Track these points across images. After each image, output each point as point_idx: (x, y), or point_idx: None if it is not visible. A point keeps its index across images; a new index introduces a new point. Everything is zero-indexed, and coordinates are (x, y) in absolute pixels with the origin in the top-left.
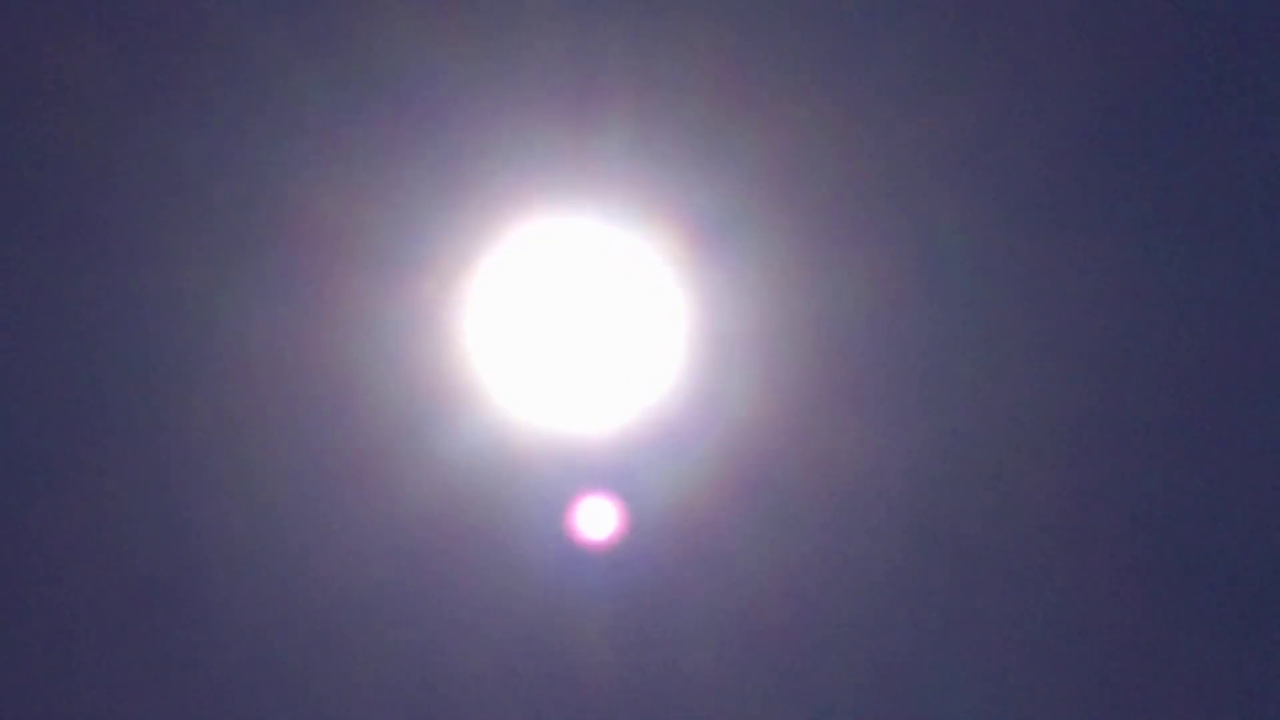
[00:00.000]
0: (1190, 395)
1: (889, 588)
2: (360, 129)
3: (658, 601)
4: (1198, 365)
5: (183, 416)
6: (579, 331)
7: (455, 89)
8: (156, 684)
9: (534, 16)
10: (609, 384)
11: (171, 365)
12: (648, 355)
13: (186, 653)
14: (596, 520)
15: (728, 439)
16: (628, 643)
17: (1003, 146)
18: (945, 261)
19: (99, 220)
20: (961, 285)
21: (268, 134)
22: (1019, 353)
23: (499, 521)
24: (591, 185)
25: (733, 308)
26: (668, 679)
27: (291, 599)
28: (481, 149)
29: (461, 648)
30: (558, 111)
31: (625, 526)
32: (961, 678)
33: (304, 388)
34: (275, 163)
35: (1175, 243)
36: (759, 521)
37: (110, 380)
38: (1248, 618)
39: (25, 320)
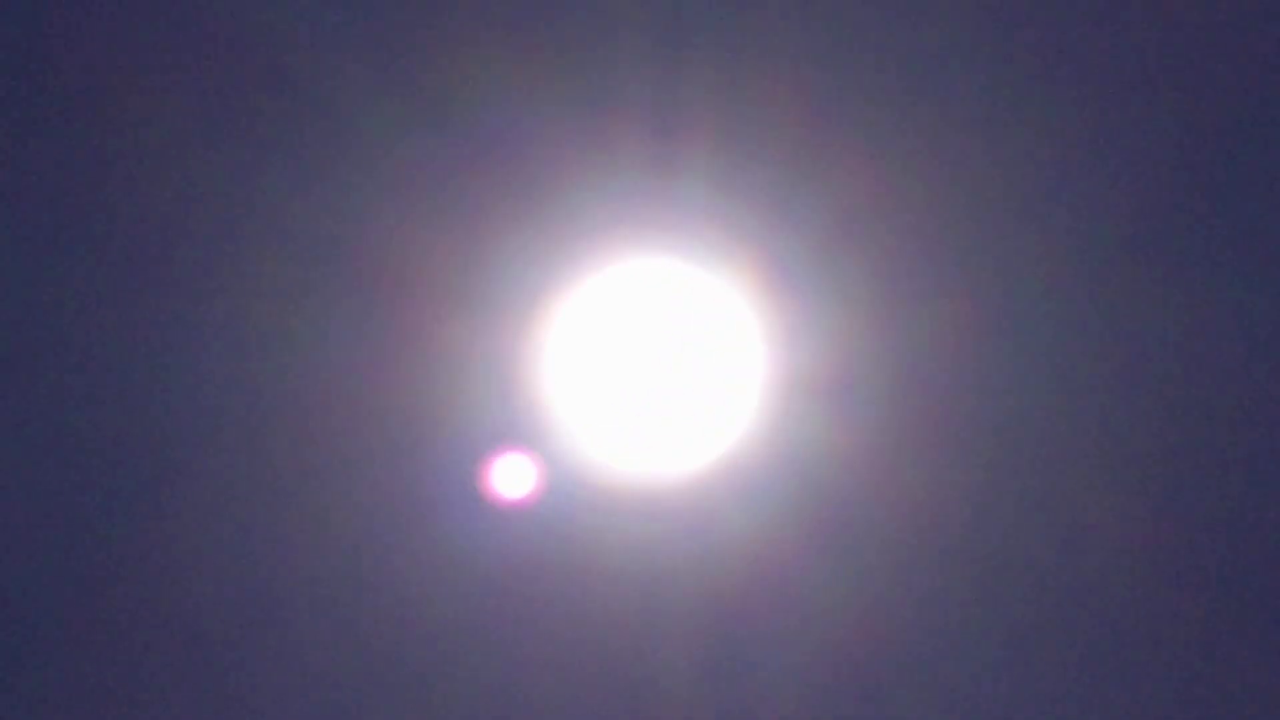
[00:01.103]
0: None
1: (963, 626)
2: (442, 170)
3: (737, 642)
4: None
5: (256, 456)
6: (659, 374)
7: (537, 130)
8: (163, 667)
9: (616, 56)
10: (688, 426)
11: (248, 403)
12: (727, 398)
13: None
14: (674, 561)
15: (806, 481)
16: (706, 679)
17: (1083, 189)
18: (1023, 303)
19: (180, 258)
20: (1039, 327)
21: (350, 175)
22: (1095, 393)
23: (577, 564)
24: (671, 227)
25: (811, 350)
26: (740, 714)
27: (355, 641)
28: (562, 190)
29: (532, 684)
30: (638, 153)
31: (702, 569)
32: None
33: (381, 429)
34: (357, 204)
35: (1247, 277)
36: (836, 563)
37: (187, 420)
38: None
39: (102, 357)
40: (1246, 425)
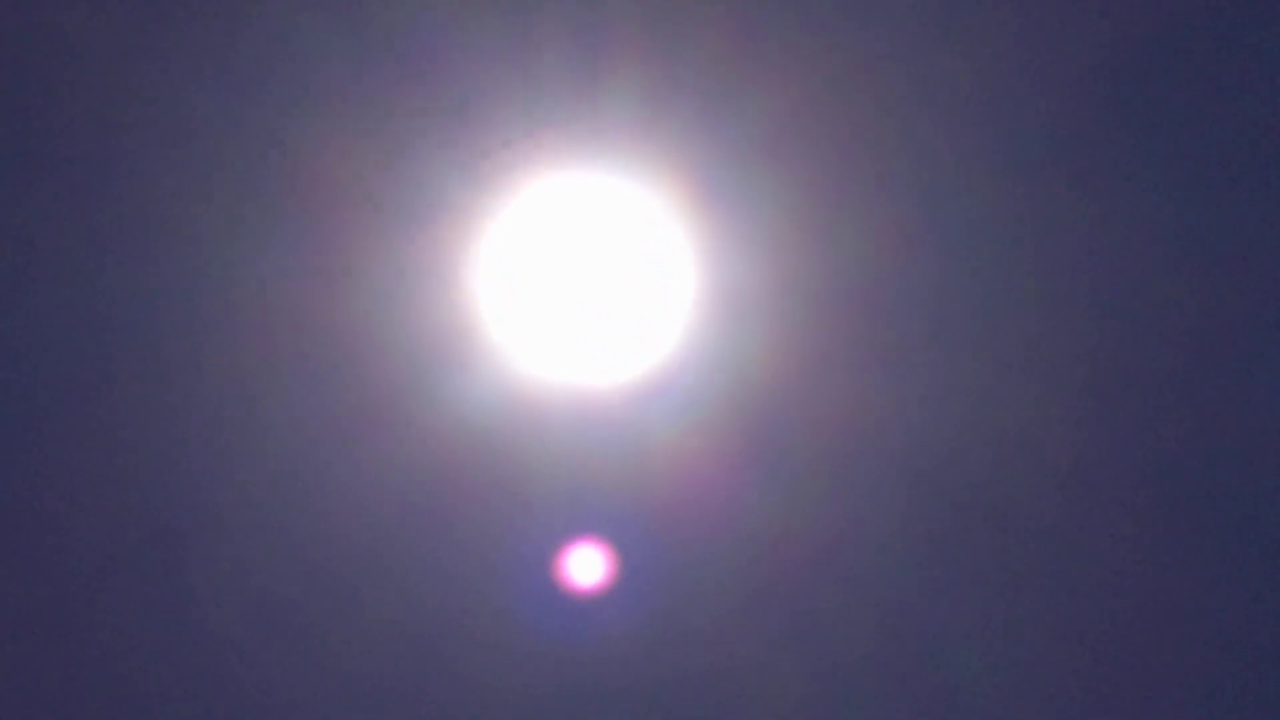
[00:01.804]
0: (1196, 348)
1: (891, 540)
2: (371, 87)
3: (661, 547)
4: (1202, 318)
5: (194, 370)
6: (588, 285)
7: (466, 46)
8: (161, 633)
9: None
10: (615, 337)
11: (184, 321)
12: (655, 309)
13: (186, 605)
14: (602, 469)
15: (734, 390)
16: (632, 589)
17: (1010, 105)
18: (951, 217)
19: (109, 180)
20: (967, 241)
21: (280, 93)
22: (1025, 307)
23: (507, 471)
24: (600, 141)
25: (740, 262)
26: (670, 623)
27: (300, 551)
28: (492, 105)
29: (466, 595)
30: (567, 67)
31: (631, 474)
32: (972, 632)
33: (315, 342)
34: (287, 122)
35: (1177, 199)
36: (762, 472)
37: (121, 338)
38: (1260, 576)
39: (35, 278)
40: (1169, 329)
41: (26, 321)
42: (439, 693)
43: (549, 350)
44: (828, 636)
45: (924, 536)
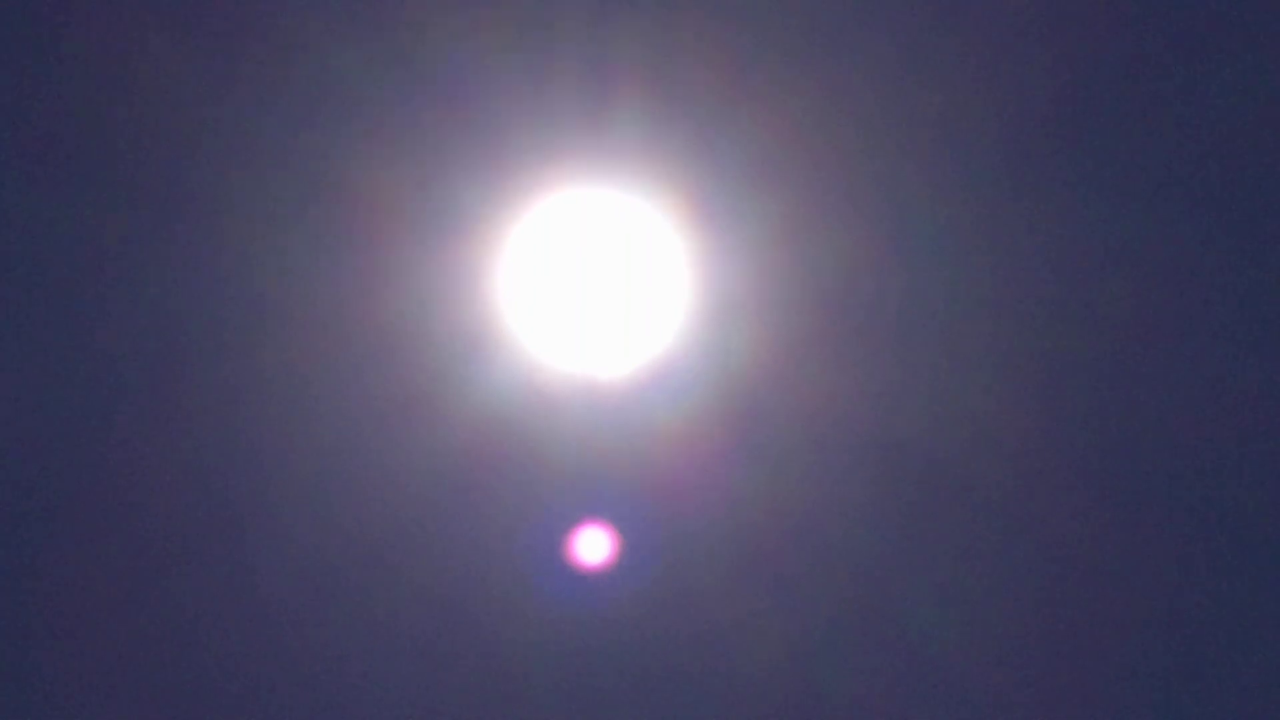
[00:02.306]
0: (1171, 342)
1: (876, 523)
2: (399, 107)
3: (660, 527)
4: (1176, 315)
5: (227, 369)
6: (596, 287)
7: (485, 70)
8: (184, 619)
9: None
10: (621, 334)
11: (219, 321)
12: (657, 307)
13: (220, 599)
14: (609, 451)
15: (727, 381)
16: (633, 569)
17: (1000, 118)
18: (940, 226)
19: (154, 189)
20: (954, 245)
21: (317, 111)
22: (1010, 307)
23: (524, 453)
24: (607, 157)
25: (734, 265)
26: (666, 600)
27: (328, 538)
28: (509, 124)
29: (486, 566)
30: (578, 90)
31: (632, 461)
32: (959, 618)
33: (351, 339)
34: (322, 136)
35: (1156, 201)
36: (753, 457)
37: (154, 334)
38: (1245, 556)
39: (75, 278)
40: (1147, 325)
41: (71, 325)
42: (463, 656)
43: (562, 345)
44: (813, 608)
45: (908, 520)
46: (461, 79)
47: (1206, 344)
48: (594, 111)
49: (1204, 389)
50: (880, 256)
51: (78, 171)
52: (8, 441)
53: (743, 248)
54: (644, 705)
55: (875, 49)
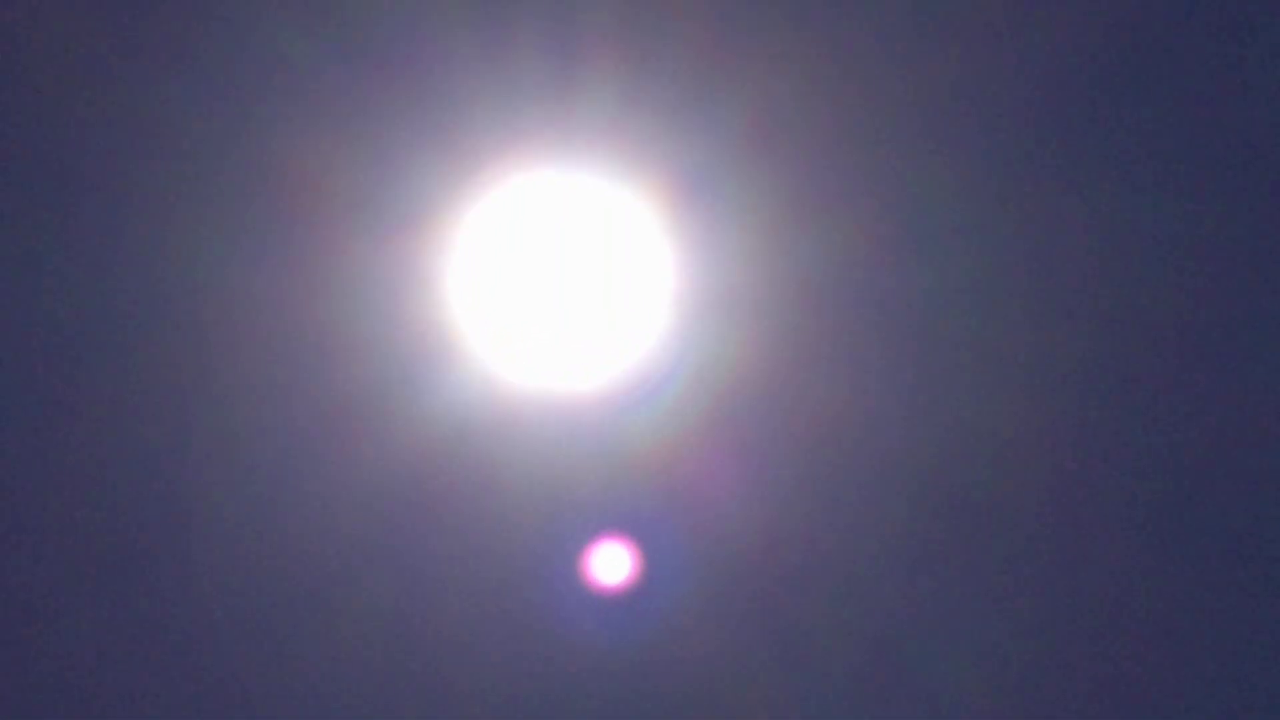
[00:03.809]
0: (1184, 350)
1: (868, 536)
2: (345, 85)
3: (643, 551)
4: (1192, 320)
5: (171, 372)
6: (564, 287)
7: (440, 43)
8: (139, 640)
9: None
10: (593, 339)
11: (158, 319)
12: (632, 310)
13: (165, 609)
14: (580, 474)
15: (713, 390)
16: (610, 592)
17: (987, 106)
18: (930, 217)
19: (85, 178)
20: (947, 240)
21: (252, 91)
22: (1005, 306)
23: (482, 475)
24: (577, 140)
25: (716, 263)
26: (648, 619)
27: (276, 551)
28: (466, 103)
29: (440, 599)
30: (543, 66)
31: (608, 480)
32: (951, 630)
33: (290, 342)
34: (260, 119)
35: (1162, 195)
36: (739, 466)
37: (96, 335)
38: (1255, 590)
39: (16, 273)
40: (1156, 331)
41: (9, 325)
42: (425, 679)
43: (527, 352)
44: (808, 628)
45: (908, 533)
46: (412, 50)
47: (1222, 351)
48: (560, 85)
49: (1219, 398)
50: (883, 248)
51: (19, 166)
52: None
53: (727, 239)
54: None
55: (865, 30)
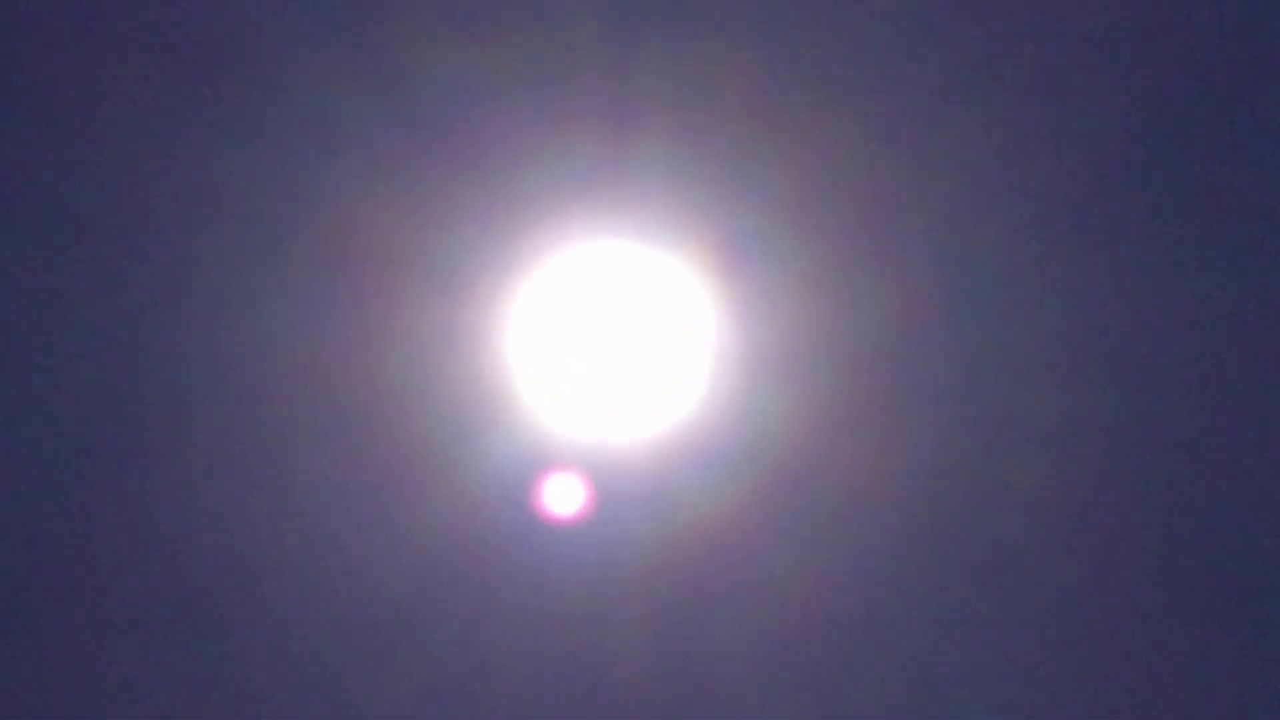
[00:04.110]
0: (1219, 408)
1: (914, 598)
2: (408, 157)
3: (689, 609)
4: (1221, 378)
5: (226, 427)
6: (616, 345)
7: (501, 120)
8: (186, 696)
9: (571, 43)
10: (644, 396)
11: (213, 378)
12: (682, 369)
13: (214, 667)
14: (628, 525)
15: (759, 449)
16: (659, 647)
17: (1030, 166)
18: (972, 279)
19: (141, 237)
20: (987, 302)
21: (315, 156)
22: (1044, 368)
23: (535, 526)
24: (627, 206)
25: (764, 323)
26: (696, 683)
27: (330, 605)
28: (522, 171)
29: (493, 651)
30: (594, 134)
31: (657, 534)
32: (988, 690)
33: (348, 399)
34: (321, 184)
35: (1199, 260)
36: (787, 531)
37: (154, 394)
38: (1260, 621)
39: (62, 332)
40: (1187, 393)
41: (56, 379)
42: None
43: (578, 409)
44: (842, 695)
45: (942, 591)
46: (472, 124)
47: (1267, 418)
48: (612, 155)
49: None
50: (932, 307)
51: (75, 230)
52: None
53: (777, 299)
54: None
55: (914, 93)
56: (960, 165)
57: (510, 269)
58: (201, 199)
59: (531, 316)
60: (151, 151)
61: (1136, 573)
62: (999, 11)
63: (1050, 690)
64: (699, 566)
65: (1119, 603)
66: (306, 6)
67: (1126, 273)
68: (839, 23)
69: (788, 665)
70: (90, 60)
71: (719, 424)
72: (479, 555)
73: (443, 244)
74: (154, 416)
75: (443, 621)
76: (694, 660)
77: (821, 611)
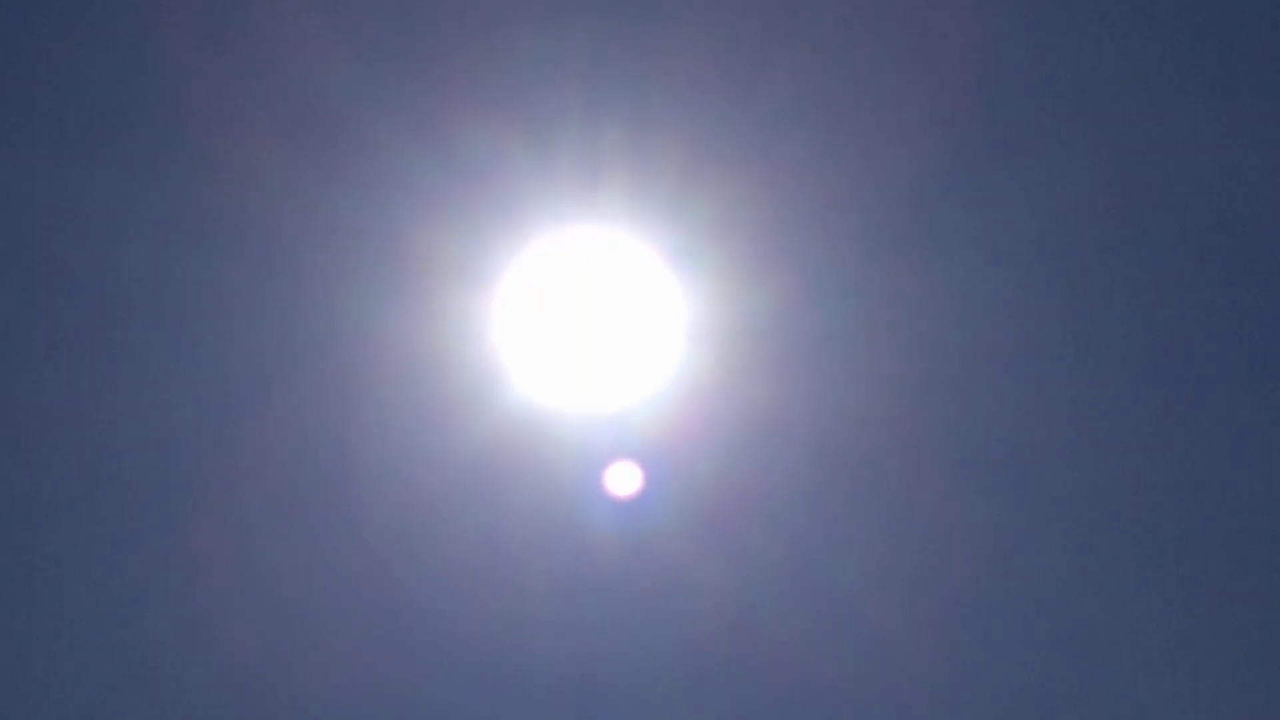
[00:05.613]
0: (1219, 409)
1: (878, 574)
2: (428, 184)
3: (667, 586)
4: (1228, 373)
5: (233, 408)
6: (593, 325)
7: (498, 157)
8: (195, 665)
9: (547, 58)
10: (617, 370)
11: (219, 362)
12: (651, 345)
13: (211, 638)
14: (614, 481)
15: (723, 418)
16: (629, 613)
17: (995, 161)
18: (938, 263)
19: (140, 214)
20: (950, 282)
21: (309, 150)
22: (1012, 349)
23: (524, 489)
24: (602, 200)
25: (728, 303)
26: (652, 638)
27: (337, 567)
28: (506, 168)
29: (488, 587)
30: (575, 143)
31: (639, 489)
32: (964, 661)
33: (356, 378)
34: (363, 207)
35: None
36: (752, 508)
37: (163, 377)
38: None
39: (149, 323)
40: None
41: (143, 367)
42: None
43: (559, 379)
44: (809, 663)
45: (911, 568)
46: (481, 163)
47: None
48: (585, 148)
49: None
50: (893, 287)
51: (157, 227)
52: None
53: (741, 281)
54: None
55: (889, 64)
56: (924, 157)
57: (503, 258)
58: (206, 190)
59: (520, 300)
60: (151, 149)
61: (1137, 573)
62: (999, 11)
63: (1050, 689)
64: (673, 511)
65: (1107, 602)
66: (306, 7)
67: (1102, 276)
68: (801, 26)
69: (747, 629)
70: (147, 79)
71: (684, 391)
72: (475, 510)
73: (441, 239)
74: (166, 401)
75: (445, 570)
76: (657, 608)
77: (788, 586)
